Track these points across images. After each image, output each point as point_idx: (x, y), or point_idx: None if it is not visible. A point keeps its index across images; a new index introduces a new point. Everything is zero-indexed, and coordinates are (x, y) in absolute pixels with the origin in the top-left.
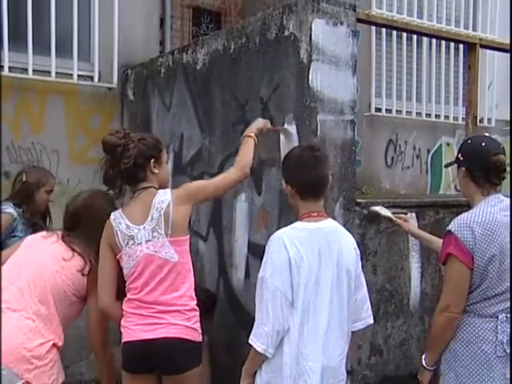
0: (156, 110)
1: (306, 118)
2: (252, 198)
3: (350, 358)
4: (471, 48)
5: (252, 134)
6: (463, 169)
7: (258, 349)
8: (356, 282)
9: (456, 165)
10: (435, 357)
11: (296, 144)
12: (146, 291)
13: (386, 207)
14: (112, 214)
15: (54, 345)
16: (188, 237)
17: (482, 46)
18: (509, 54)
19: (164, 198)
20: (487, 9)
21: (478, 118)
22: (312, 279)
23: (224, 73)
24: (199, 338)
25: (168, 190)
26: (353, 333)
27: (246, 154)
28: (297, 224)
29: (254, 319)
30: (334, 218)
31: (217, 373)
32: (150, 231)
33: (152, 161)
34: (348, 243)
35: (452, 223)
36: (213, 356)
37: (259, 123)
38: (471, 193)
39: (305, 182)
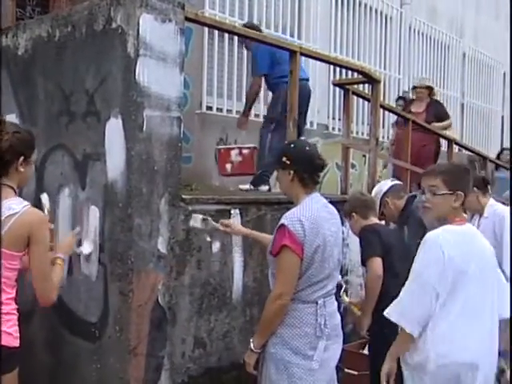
0: None
1: (133, 112)
2: (76, 193)
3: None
4: (293, 55)
5: (62, 259)
6: (291, 172)
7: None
8: None
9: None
10: (263, 341)
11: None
12: None
13: (212, 203)
14: None
15: None
16: (20, 255)
17: (303, 54)
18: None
19: (15, 206)
20: (310, 20)
21: None
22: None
23: (48, 61)
24: (13, 343)
25: (26, 203)
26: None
27: (60, 281)
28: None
29: (77, 317)
30: (158, 214)
31: (38, 373)
32: None
33: (21, 158)
34: None
35: (284, 218)
36: (33, 356)
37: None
38: (297, 192)
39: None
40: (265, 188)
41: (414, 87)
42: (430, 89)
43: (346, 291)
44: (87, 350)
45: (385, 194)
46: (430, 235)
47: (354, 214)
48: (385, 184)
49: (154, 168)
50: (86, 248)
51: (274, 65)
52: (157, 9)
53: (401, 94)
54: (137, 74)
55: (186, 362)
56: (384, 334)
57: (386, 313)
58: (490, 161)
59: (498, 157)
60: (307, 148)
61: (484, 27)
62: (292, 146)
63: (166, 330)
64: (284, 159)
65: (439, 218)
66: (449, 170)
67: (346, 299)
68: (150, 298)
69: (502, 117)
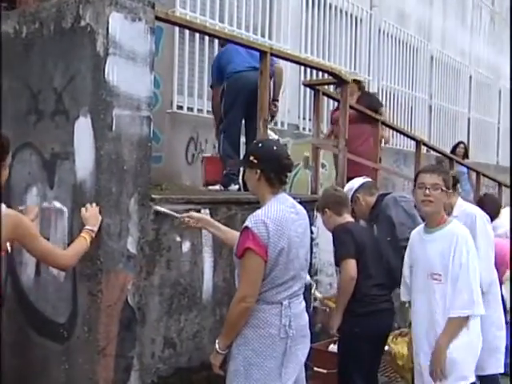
0: None
1: (102, 111)
2: (44, 192)
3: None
4: (263, 55)
5: (89, 231)
6: (258, 171)
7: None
8: None
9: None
10: (228, 342)
11: None
12: None
13: (181, 203)
14: None
15: None
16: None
17: (273, 55)
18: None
19: None
20: (280, 20)
21: (273, 122)
22: None
23: (15, 59)
24: None
25: (3, 206)
26: None
27: (79, 249)
28: None
29: (44, 318)
30: (128, 214)
31: (5, 375)
32: None
33: None
34: None
35: (248, 220)
36: None
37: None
38: (264, 192)
39: None
40: (235, 187)
41: None
42: (357, 82)
43: (316, 287)
44: (55, 350)
45: (356, 190)
46: (464, 231)
47: (326, 209)
48: (356, 181)
49: (123, 167)
50: None
51: (225, 67)
52: (126, 7)
53: None
54: (106, 72)
55: (155, 363)
56: (354, 333)
57: (459, 313)
58: (457, 162)
59: (454, 150)
60: (275, 148)
61: (451, 31)
62: (260, 145)
63: (135, 330)
64: (251, 158)
65: (436, 211)
66: (445, 171)
67: (319, 295)
68: (119, 298)
69: (469, 118)
